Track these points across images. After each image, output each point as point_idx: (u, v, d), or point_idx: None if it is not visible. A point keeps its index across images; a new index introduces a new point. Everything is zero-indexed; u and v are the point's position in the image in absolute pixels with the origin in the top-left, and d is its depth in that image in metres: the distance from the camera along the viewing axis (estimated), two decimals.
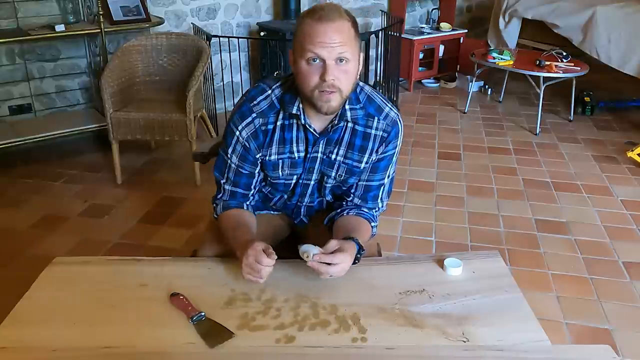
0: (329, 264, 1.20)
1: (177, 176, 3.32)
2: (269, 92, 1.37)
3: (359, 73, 1.32)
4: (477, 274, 1.31)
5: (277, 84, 1.38)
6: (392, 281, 1.28)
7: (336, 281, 1.23)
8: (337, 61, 1.23)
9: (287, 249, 1.61)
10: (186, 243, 2.61)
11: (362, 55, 1.32)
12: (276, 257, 1.23)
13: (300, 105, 1.33)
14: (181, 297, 1.20)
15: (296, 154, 1.40)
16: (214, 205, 1.49)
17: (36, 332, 1.12)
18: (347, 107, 1.34)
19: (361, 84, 1.40)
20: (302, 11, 1.28)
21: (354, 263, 1.27)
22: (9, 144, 3.19)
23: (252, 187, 1.45)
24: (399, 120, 1.41)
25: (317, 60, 1.23)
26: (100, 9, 3.26)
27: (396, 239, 2.70)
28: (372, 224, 1.47)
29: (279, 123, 1.37)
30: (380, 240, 1.61)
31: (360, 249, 1.29)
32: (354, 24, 1.27)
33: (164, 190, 3.15)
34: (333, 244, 1.24)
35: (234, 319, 1.15)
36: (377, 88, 4.63)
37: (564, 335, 2.07)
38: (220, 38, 3.87)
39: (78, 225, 2.79)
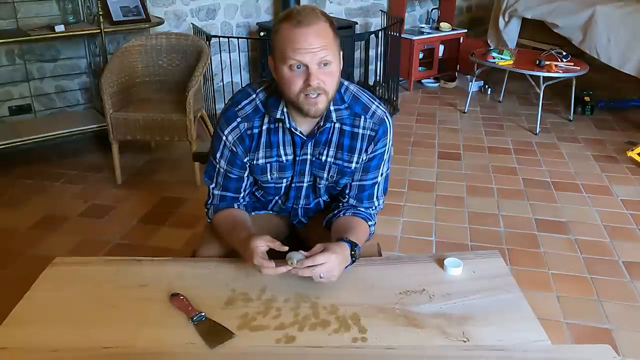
0: (312, 266, 1.20)
1: (177, 176, 3.31)
2: (254, 96, 1.37)
3: (341, 71, 1.31)
4: (477, 274, 1.31)
5: (261, 88, 1.37)
6: (392, 281, 1.28)
7: (336, 281, 1.23)
8: (321, 65, 1.22)
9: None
10: (186, 243, 2.61)
11: (341, 53, 1.31)
12: (284, 247, 1.26)
13: (285, 109, 1.33)
14: (181, 297, 1.20)
15: (284, 157, 1.40)
16: (207, 209, 1.50)
17: (36, 332, 1.12)
18: (331, 108, 1.34)
19: (346, 83, 1.40)
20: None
21: (352, 261, 1.27)
22: (9, 144, 3.19)
23: (242, 190, 1.46)
24: (387, 118, 1.40)
25: (300, 67, 1.22)
26: (100, 9, 3.26)
27: (396, 239, 2.70)
28: (369, 222, 1.46)
29: (264, 127, 1.36)
30: (380, 240, 1.61)
31: (354, 245, 1.29)
32: (332, 24, 1.26)
33: (163, 190, 3.15)
34: (317, 247, 1.24)
35: (234, 319, 1.15)
36: (377, 88, 4.63)
37: (564, 335, 2.07)
38: (220, 38, 3.88)
39: (78, 225, 2.79)
